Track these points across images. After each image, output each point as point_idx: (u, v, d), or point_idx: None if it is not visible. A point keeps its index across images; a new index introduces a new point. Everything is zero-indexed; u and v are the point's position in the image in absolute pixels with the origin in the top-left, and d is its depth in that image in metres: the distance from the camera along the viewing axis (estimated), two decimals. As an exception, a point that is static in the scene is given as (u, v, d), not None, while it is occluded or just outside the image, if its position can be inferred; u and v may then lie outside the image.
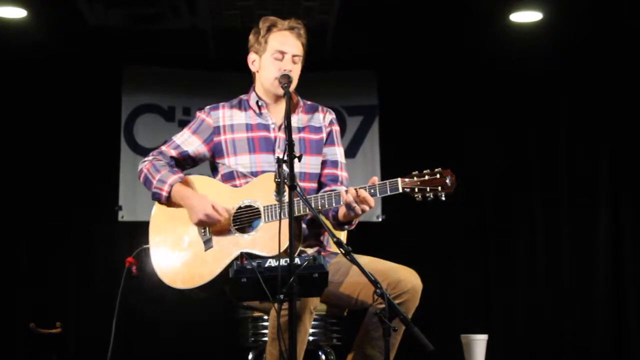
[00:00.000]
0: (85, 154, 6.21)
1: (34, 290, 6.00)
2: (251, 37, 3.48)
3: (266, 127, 3.45)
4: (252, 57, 3.49)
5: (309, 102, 3.58)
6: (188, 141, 3.49)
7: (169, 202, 3.38)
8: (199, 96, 6.31)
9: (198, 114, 3.54)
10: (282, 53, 3.39)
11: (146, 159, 3.47)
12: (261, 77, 3.47)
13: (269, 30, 3.43)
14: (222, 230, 3.29)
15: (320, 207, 3.18)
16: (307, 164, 3.44)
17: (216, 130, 3.46)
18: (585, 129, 6.30)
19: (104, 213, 6.22)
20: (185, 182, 3.39)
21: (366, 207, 3.12)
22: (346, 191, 3.13)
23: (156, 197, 3.40)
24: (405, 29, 5.99)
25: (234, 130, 3.46)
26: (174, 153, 3.48)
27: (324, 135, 3.52)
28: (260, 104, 3.47)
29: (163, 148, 3.50)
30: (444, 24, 5.88)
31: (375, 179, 3.15)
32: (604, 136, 6.26)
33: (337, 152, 3.54)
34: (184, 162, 3.51)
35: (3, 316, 5.95)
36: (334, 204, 3.17)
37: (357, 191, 3.11)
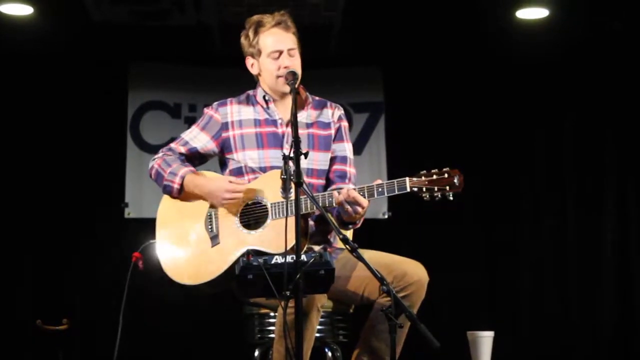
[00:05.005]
0: (91, 151, 6.21)
1: (40, 287, 6.01)
2: (243, 42, 3.48)
3: (274, 123, 3.45)
4: (249, 61, 3.49)
5: (317, 98, 3.57)
6: (197, 138, 3.48)
7: (180, 194, 3.37)
8: (205, 93, 6.31)
9: (206, 110, 3.53)
10: (278, 52, 3.39)
11: (156, 156, 3.47)
12: (264, 79, 3.46)
13: (256, 32, 3.42)
14: (229, 227, 3.29)
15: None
16: (315, 160, 3.44)
17: (224, 126, 3.46)
18: (592, 126, 6.29)
19: (110, 210, 6.23)
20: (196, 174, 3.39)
21: (358, 208, 3.12)
22: (339, 192, 3.13)
23: (168, 190, 3.39)
24: (411, 26, 5.99)
25: (243, 125, 3.46)
26: (183, 150, 3.48)
27: (333, 131, 3.52)
28: (267, 98, 3.47)
29: (172, 145, 3.50)
30: (450, 20, 5.87)
31: (379, 181, 3.15)
32: (611, 134, 6.25)
33: (346, 148, 3.53)
34: (193, 159, 3.51)
35: (9, 313, 5.96)
36: (327, 204, 3.17)
37: (348, 192, 3.11)
